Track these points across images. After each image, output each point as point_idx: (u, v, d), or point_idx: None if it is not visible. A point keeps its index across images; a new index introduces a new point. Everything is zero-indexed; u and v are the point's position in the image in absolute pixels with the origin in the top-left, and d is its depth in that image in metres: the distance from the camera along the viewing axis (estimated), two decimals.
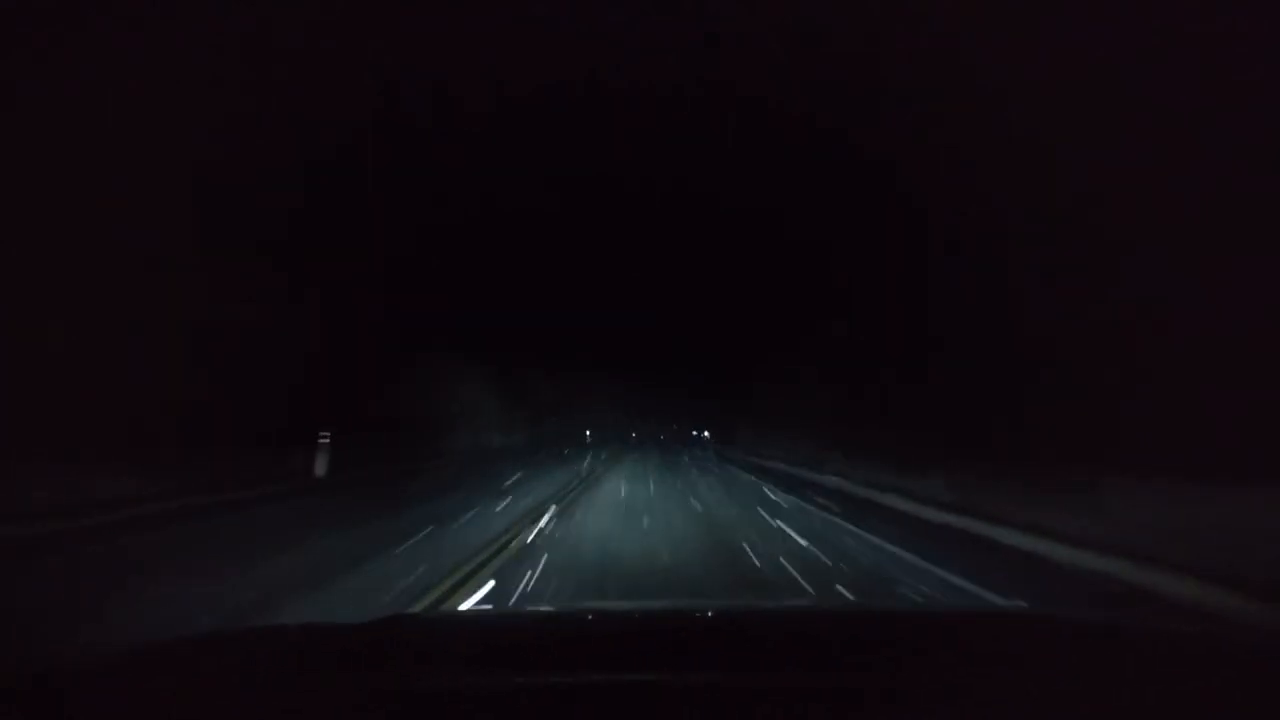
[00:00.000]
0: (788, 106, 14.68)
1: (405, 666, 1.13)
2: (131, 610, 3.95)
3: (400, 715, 0.91)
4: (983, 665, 1.14)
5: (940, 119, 10.23)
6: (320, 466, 11.50)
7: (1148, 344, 6.65)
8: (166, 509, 7.63)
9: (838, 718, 0.92)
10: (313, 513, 8.56)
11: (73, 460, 7.11)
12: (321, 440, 11.57)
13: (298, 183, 11.55)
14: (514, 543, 6.62)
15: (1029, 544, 7.05)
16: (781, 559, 6.11)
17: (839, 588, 5.10)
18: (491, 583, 4.92)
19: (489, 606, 4.30)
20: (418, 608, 4.10)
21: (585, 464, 20.10)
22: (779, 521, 8.68)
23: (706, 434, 49.28)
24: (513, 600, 4.54)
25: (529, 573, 5.29)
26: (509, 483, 12.51)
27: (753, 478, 16.57)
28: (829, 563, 6.05)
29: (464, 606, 4.29)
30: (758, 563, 5.98)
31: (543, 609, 2.09)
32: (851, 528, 8.29)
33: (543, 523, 8.00)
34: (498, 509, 9.08)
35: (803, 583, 5.22)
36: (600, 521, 8.40)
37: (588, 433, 44.66)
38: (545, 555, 6.05)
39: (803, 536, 7.48)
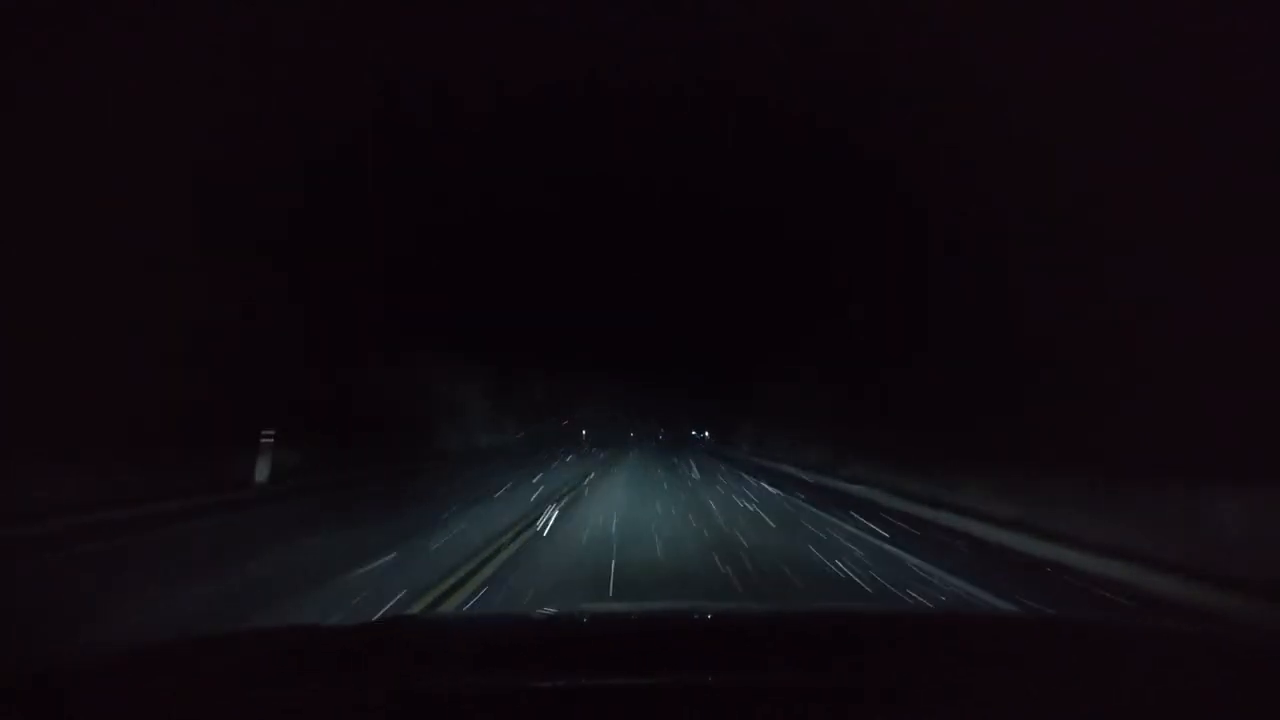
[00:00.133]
0: (788, 106, 14.70)
1: (405, 668, 1.13)
2: None
3: (400, 716, 0.91)
4: (983, 665, 1.14)
5: (940, 119, 10.24)
6: (261, 471, 9.72)
7: (1147, 343, 6.65)
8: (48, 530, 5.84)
9: (838, 718, 0.92)
10: (244, 532, 6.57)
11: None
12: (265, 440, 9.87)
13: (298, 183, 11.55)
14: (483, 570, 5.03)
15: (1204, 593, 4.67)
16: None
17: None
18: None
19: (489, 608, 4.29)
20: (417, 609, 4.10)
21: (577, 469, 16.94)
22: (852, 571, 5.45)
23: (706, 434, 49.18)
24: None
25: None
26: (495, 493, 10.53)
27: (773, 489, 13.26)
28: None
29: (464, 607, 4.29)
30: None
31: (543, 610, 2.09)
32: (962, 584, 5.15)
33: (509, 553, 5.81)
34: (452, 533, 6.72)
35: None
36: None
37: (584, 432, 44.09)
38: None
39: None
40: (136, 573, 4.77)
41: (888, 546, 6.83)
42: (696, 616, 1.69)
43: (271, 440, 10.00)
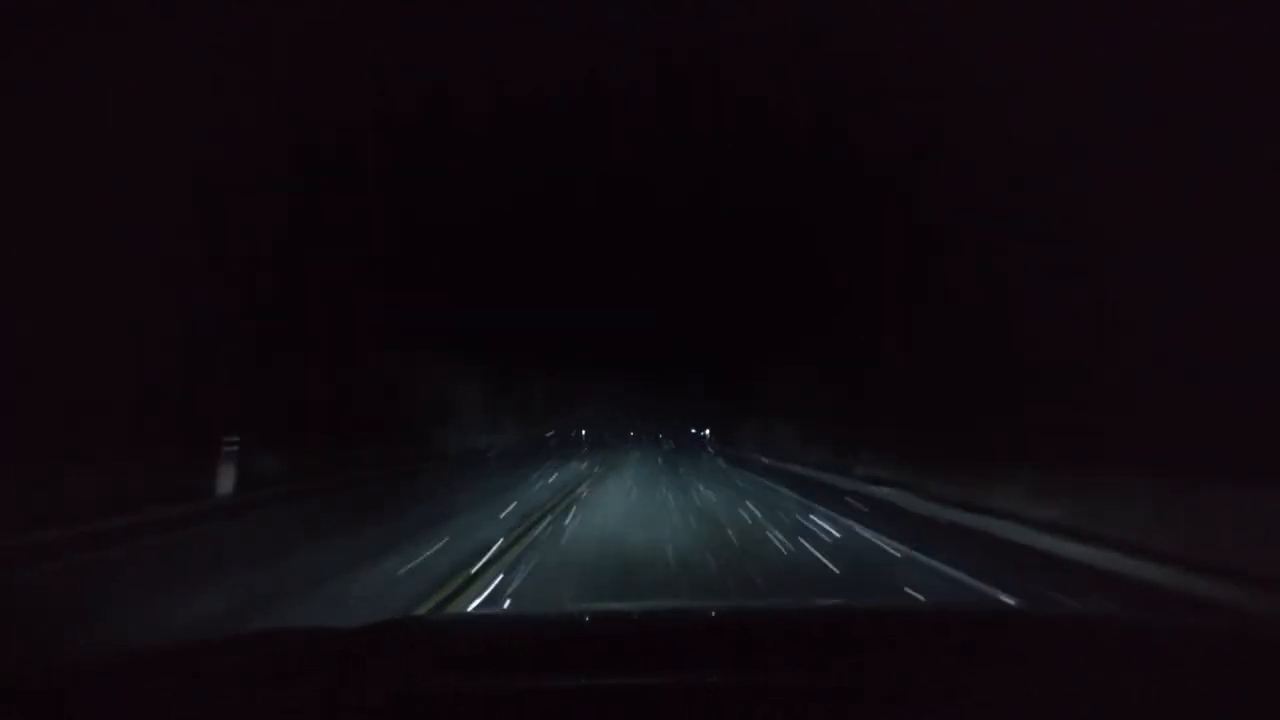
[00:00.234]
0: (788, 106, 14.71)
1: (406, 669, 1.13)
2: None
3: (401, 718, 0.91)
4: (983, 664, 1.14)
5: (940, 119, 10.24)
6: (224, 482, 8.88)
7: (1146, 343, 6.65)
8: None
9: (838, 718, 0.92)
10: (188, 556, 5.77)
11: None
12: (228, 448, 8.98)
13: (298, 183, 11.55)
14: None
15: None
16: None
17: None
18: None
19: (491, 608, 4.29)
20: (421, 610, 4.10)
21: (571, 474, 15.64)
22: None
23: (706, 433, 49.16)
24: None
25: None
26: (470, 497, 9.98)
27: (786, 490, 12.51)
28: None
29: (467, 608, 4.29)
30: None
31: (544, 611, 2.10)
32: None
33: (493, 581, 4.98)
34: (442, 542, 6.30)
35: None
36: None
37: (583, 432, 43.68)
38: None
39: None
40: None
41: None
42: (697, 616, 1.69)
43: (235, 448, 9.00)
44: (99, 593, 4.42)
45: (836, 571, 5.64)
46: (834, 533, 7.71)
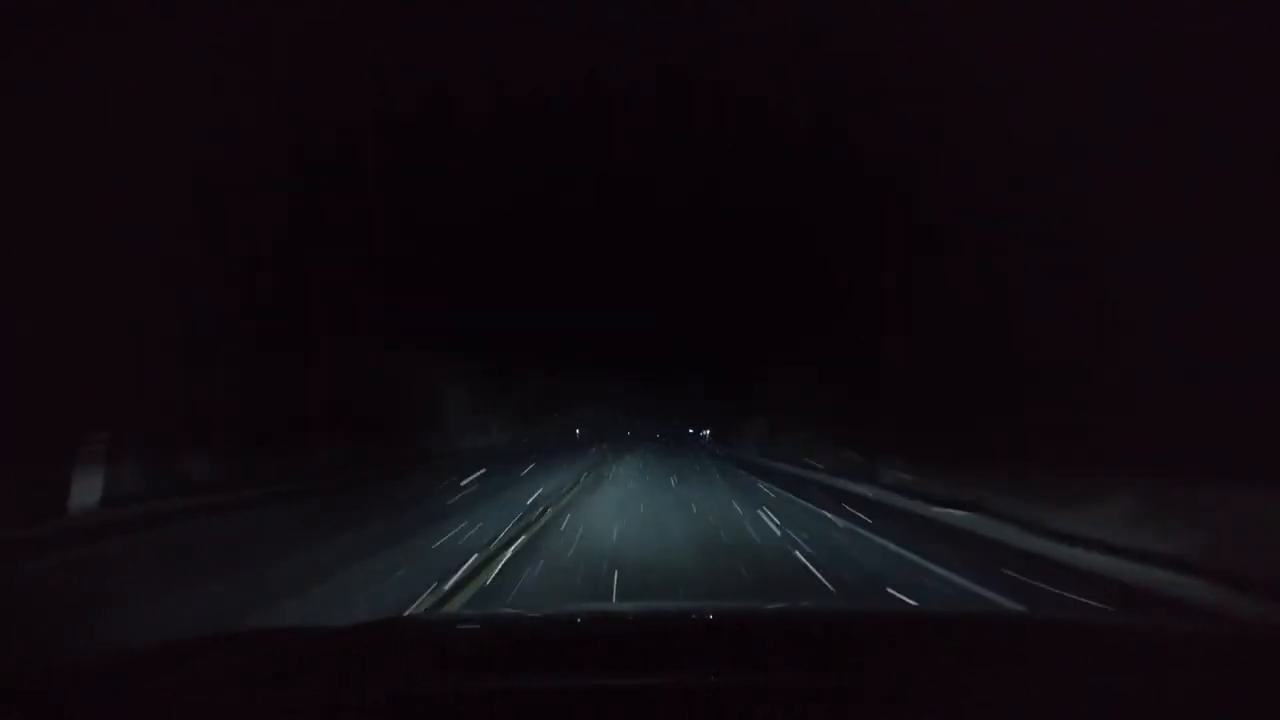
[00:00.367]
0: (788, 106, 14.70)
1: (406, 669, 1.13)
2: None
3: (401, 718, 0.91)
4: (983, 665, 1.14)
5: (940, 119, 10.24)
6: (85, 491, 6.91)
7: (1145, 342, 6.65)
8: None
9: (838, 718, 0.92)
10: None
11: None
12: (89, 448, 7.06)
13: (298, 182, 11.55)
14: None
15: None
16: None
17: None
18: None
19: (491, 608, 4.29)
20: (418, 610, 4.10)
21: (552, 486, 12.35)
22: None
23: (706, 433, 49.11)
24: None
25: None
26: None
27: (820, 510, 9.80)
28: None
29: (464, 609, 4.28)
30: None
31: (544, 611, 2.09)
32: None
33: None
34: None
35: None
36: None
37: (577, 431, 43.17)
38: None
39: None
40: None
41: None
42: (697, 616, 1.69)
43: (101, 448, 7.17)
44: None
45: None
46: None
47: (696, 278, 32.43)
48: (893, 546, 6.90)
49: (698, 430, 52.84)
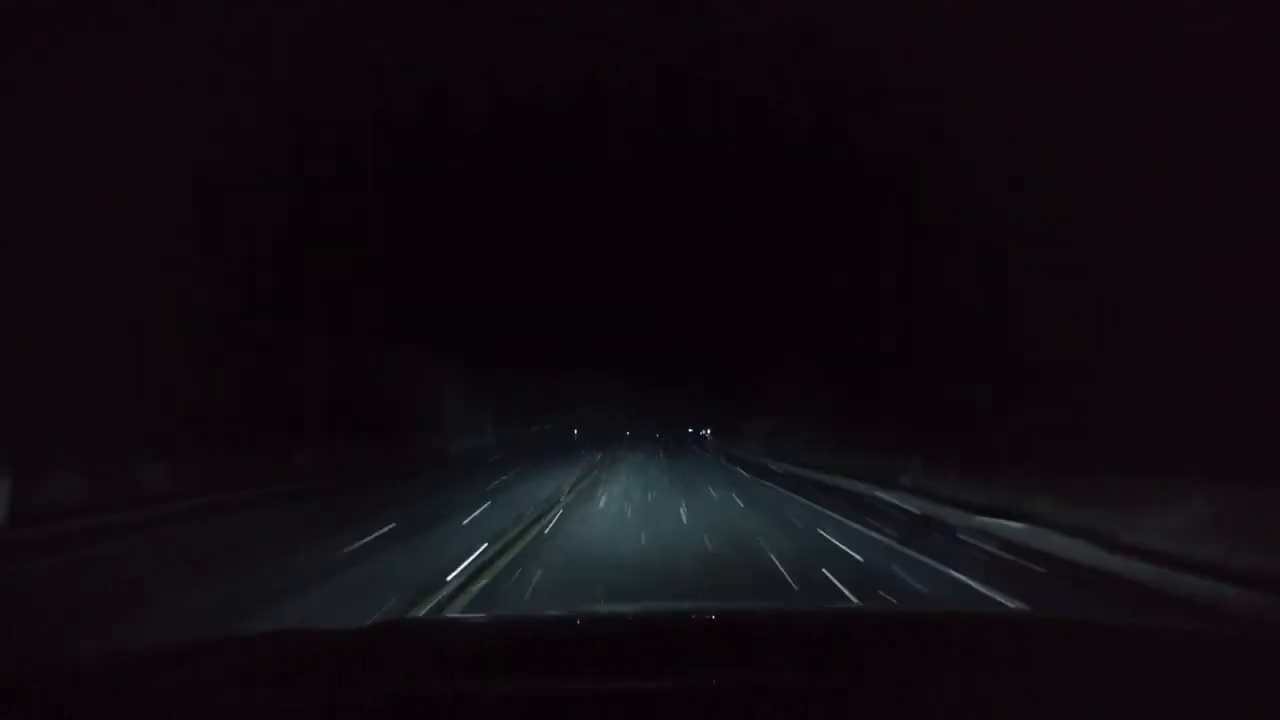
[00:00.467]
0: (788, 106, 14.70)
1: (406, 669, 1.13)
2: None
3: (401, 718, 0.91)
4: (983, 665, 1.14)
5: (940, 119, 10.24)
6: None
7: (1144, 341, 6.64)
8: None
9: (838, 718, 0.92)
10: None
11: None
12: None
13: (298, 183, 11.55)
14: None
15: None
16: None
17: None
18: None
19: (491, 610, 4.29)
20: (418, 612, 4.10)
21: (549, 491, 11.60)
22: None
23: (706, 433, 49.07)
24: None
25: None
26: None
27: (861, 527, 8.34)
28: None
29: (464, 611, 4.28)
30: None
31: (544, 612, 2.09)
32: None
33: None
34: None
35: None
36: None
37: (575, 431, 42.76)
38: None
39: None
40: None
41: None
42: (697, 617, 1.69)
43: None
44: None
45: None
46: None
47: (696, 278, 32.51)
48: (976, 585, 5.50)
49: (697, 430, 52.86)
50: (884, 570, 5.97)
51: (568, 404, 44.51)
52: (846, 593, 5.08)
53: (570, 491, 11.88)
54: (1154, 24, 6.53)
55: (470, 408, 24.98)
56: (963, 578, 5.68)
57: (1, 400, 6.52)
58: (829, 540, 7.41)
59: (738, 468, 19.83)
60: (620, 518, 9.06)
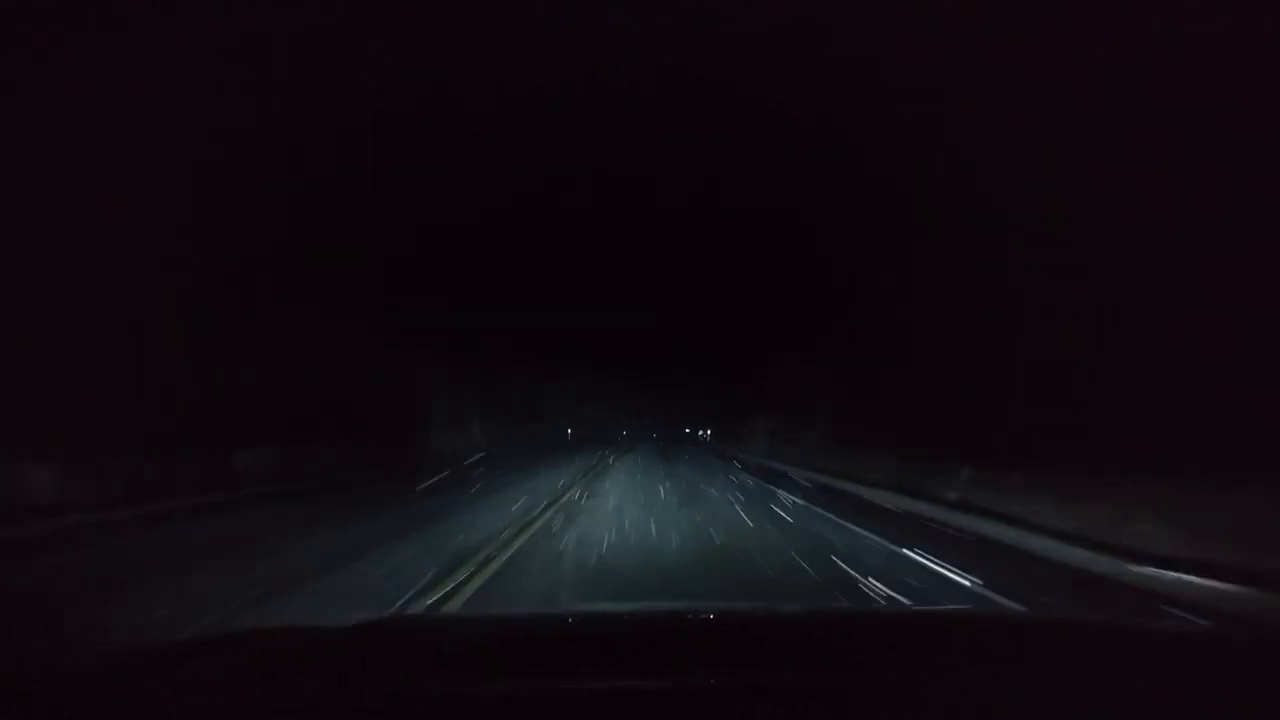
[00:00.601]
0: (788, 106, 14.69)
1: (406, 669, 1.13)
2: None
3: (401, 718, 0.91)
4: (983, 665, 1.14)
5: (940, 119, 10.23)
6: None
7: (1144, 341, 6.63)
8: None
9: (838, 718, 0.92)
10: None
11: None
12: None
13: (298, 182, 11.55)
14: None
15: None
16: None
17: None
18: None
19: (491, 608, 4.28)
20: (417, 609, 4.09)
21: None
22: None
23: (706, 433, 49.03)
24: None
25: None
26: None
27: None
28: None
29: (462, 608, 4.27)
30: None
31: (543, 611, 2.08)
32: None
33: None
34: None
35: None
36: None
37: (568, 431, 42.41)
38: None
39: None
40: None
41: None
42: (695, 617, 1.69)
43: None
44: None
45: None
46: None
47: (696, 278, 32.41)
48: None
49: (696, 430, 52.84)
50: None
51: (567, 404, 44.48)
52: None
53: (550, 506, 8.68)
54: (1154, 24, 6.53)
55: (464, 408, 24.53)
56: None
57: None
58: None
59: (749, 476, 15.43)
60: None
